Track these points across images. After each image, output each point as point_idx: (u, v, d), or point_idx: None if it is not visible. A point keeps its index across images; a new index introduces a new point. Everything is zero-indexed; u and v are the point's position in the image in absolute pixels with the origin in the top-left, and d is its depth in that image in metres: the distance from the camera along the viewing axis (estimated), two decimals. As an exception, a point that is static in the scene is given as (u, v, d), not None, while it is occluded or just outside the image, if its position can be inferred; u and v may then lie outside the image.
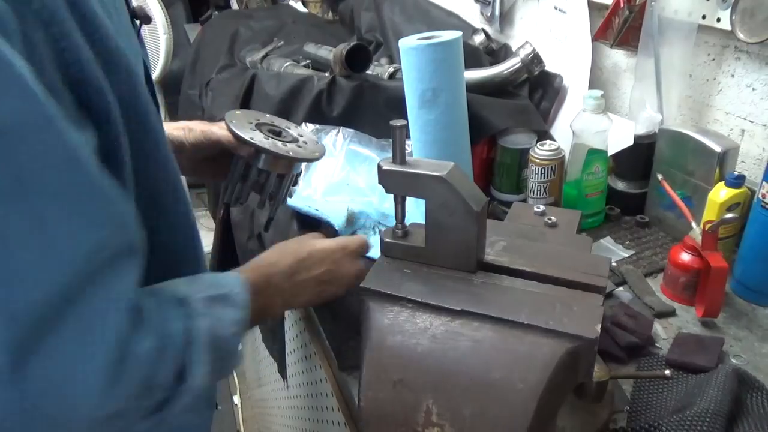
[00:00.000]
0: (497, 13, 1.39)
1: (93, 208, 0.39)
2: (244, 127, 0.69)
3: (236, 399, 2.08)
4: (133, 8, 0.58)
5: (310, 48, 1.62)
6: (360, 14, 1.70)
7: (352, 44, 1.03)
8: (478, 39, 1.24)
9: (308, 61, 1.51)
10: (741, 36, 0.73)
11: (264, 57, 1.64)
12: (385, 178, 0.43)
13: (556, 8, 1.22)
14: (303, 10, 2.37)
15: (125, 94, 0.46)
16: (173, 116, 2.39)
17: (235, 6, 2.64)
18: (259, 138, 0.68)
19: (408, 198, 0.47)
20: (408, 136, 1.03)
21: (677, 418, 0.58)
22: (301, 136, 0.78)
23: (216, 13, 2.45)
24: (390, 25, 1.53)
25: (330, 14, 2.21)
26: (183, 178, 0.62)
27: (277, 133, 0.74)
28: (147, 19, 0.61)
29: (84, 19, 0.41)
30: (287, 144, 0.72)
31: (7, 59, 0.34)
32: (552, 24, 1.24)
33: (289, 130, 0.77)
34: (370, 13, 1.67)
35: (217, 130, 0.74)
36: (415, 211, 0.54)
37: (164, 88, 2.53)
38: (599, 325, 0.37)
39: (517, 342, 0.37)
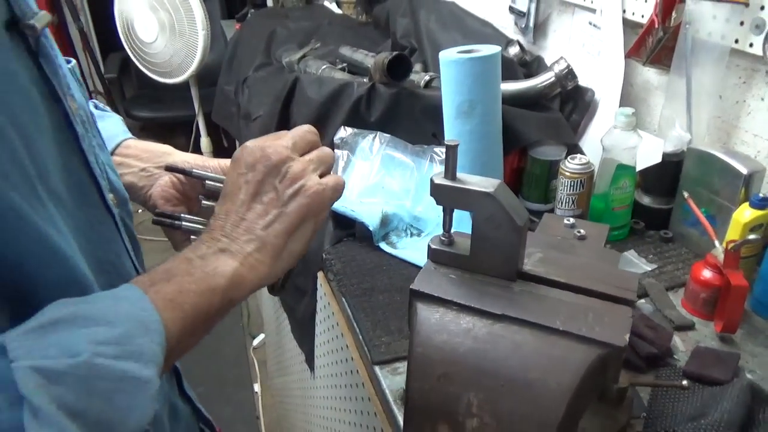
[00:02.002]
0: (531, 24, 1.42)
1: None
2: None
3: (257, 387, 2.14)
4: (14, 15, 0.43)
5: (346, 51, 1.66)
6: (396, 20, 1.74)
7: (393, 54, 1.08)
8: (513, 51, 1.28)
9: (344, 65, 1.56)
10: (771, 64, 0.76)
11: (301, 58, 1.69)
12: (437, 191, 0.48)
13: (590, 23, 1.25)
14: (337, 10, 2.42)
15: None
16: (207, 109, 2.46)
17: (270, 4, 2.70)
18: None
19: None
20: (442, 143, 1.08)
21: (691, 426, 0.62)
22: None
23: (252, 11, 2.51)
24: (425, 32, 1.57)
25: (364, 16, 2.25)
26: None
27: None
28: (33, 30, 0.43)
29: None
30: None
31: None
32: (586, 39, 1.27)
33: None
34: (406, 19, 1.71)
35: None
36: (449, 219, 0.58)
37: (198, 80, 2.61)
38: (628, 335, 0.41)
39: (553, 346, 0.42)
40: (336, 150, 1.11)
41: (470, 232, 0.49)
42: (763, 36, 0.84)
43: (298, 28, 2.03)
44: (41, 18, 0.42)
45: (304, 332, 1.19)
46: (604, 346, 0.41)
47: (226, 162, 0.65)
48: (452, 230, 0.52)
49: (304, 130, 0.56)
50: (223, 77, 2.05)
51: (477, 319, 0.44)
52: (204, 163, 0.66)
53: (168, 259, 0.49)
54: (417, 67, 1.50)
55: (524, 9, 1.42)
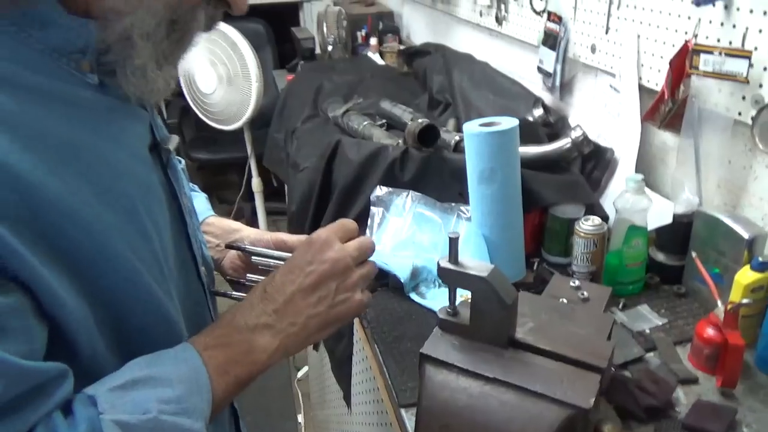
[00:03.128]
0: (557, 84, 1.52)
1: None
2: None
3: (300, 418, 2.25)
4: (157, 141, 0.62)
5: (386, 105, 1.80)
6: (432, 76, 1.87)
7: (424, 124, 1.20)
8: (537, 113, 1.38)
9: (384, 121, 1.70)
10: (761, 147, 0.84)
11: (345, 112, 1.83)
12: (443, 273, 0.59)
13: (611, 86, 1.34)
14: (380, 61, 2.58)
15: (83, 251, 0.49)
16: (259, 150, 2.64)
17: (318, 52, 2.89)
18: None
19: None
20: (467, 202, 1.18)
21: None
22: None
23: (302, 62, 2.70)
24: (459, 90, 1.69)
25: (405, 67, 2.39)
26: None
27: None
28: (168, 152, 0.63)
29: (5, 211, 0.45)
30: None
31: None
32: (607, 100, 1.36)
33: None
34: (441, 76, 1.84)
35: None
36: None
37: (251, 124, 2.81)
38: (593, 399, 0.50)
39: (532, 405, 0.51)
40: (372, 207, 1.23)
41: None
42: (753, 114, 0.92)
43: (342, 81, 2.18)
44: (173, 141, 0.59)
45: (342, 372, 1.29)
46: (572, 408, 0.50)
47: (278, 236, 0.79)
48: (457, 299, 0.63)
49: (366, 241, 0.68)
50: (274, 125, 2.22)
51: (472, 380, 0.54)
52: (260, 236, 0.79)
53: (226, 313, 0.62)
54: (450, 124, 1.62)
55: (551, 70, 1.52)
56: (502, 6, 1.77)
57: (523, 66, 1.72)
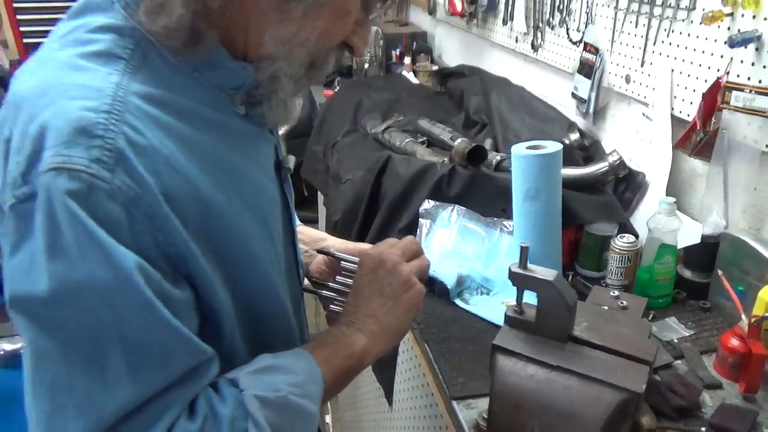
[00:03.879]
0: (591, 110, 1.62)
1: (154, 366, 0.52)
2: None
3: (328, 418, 2.34)
4: (280, 160, 0.74)
5: (425, 124, 1.91)
6: (470, 98, 1.98)
7: (473, 145, 1.31)
8: (573, 137, 1.49)
9: (425, 138, 1.81)
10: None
11: (386, 129, 1.94)
12: (513, 276, 0.69)
13: (644, 114, 1.44)
14: (414, 80, 2.69)
15: (234, 253, 0.60)
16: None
17: (354, 68, 3.01)
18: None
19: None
20: (510, 217, 1.29)
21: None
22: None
23: (338, 78, 2.83)
24: (496, 112, 1.80)
25: (438, 87, 2.51)
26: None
27: None
28: (287, 170, 0.75)
29: (182, 214, 0.54)
30: None
31: (118, 256, 0.50)
32: (639, 127, 1.46)
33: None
34: (479, 97, 1.95)
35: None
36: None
37: (287, 134, 2.93)
38: (644, 384, 0.60)
39: (592, 389, 0.61)
40: (420, 219, 1.34)
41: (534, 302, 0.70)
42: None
43: (381, 99, 2.30)
44: (290, 161, 0.71)
45: (385, 372, 1.39)
46: (626, 392, 0.60)
47: (361, 245, 0.90)
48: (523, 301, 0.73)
49: (408, 241, 0.78)
50: (312, 138, 2.33)
51: (539, 368, 0.65)
52: (345, 245, 0.91)
53: (325, 330, 0.74)
54: (487, 143, 1.72)
55: (585, 96, 1.62)
56: (539, 34, 1.88)
57: (556, 91, 1.82)
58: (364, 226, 1.52)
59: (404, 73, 2.78)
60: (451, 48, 2.81)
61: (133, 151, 0.52)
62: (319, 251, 0.91)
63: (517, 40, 2.03)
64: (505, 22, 2.09)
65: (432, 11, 2.88)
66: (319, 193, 2.57)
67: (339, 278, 0.85)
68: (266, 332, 0.68)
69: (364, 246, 0.91)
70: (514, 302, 0.74)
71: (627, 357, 0.65)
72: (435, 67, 2.74)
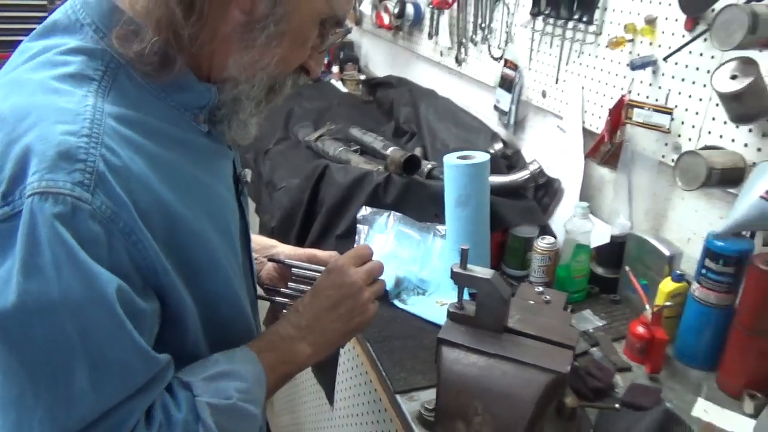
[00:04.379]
0: (512, 122, 1.75)
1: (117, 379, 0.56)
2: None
3: (263, 424, 2.35)
4: (238, 174, 0.79)
5: (356, 132, 1.98)
6: (399, 108, 2.07)
7: (408, 155, 1.39)
8: (497, 146, 1.61)
9: (358, 147, 1.88)
10: (680, 185, 1.08)
11: (318, 138, 2.00)
12: (455, 276, 0.77)
13: (558, 127, 1.59)
14: (343, 88, 2.76)
15: (199, 264, 0.64)
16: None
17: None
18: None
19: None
20: (442, 222, 1.38)
21: (621, 436, 0.90)
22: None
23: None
24: (425, 122, 1.90)
25: (367, 96, 2.59)
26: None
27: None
28: (245, 183, 0.81)
29: (153, 229, 0.58)
30: None
31: (95, 276, 0.53)
32: (555, 138, 1.60)
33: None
34: (408, 108, 2.04)
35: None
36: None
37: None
38: (569, 366, 0.70)
39: (525, 373, 0.70)
40: (358, 225, 1.40)
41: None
42: (674, 157, 1.17)
43: (311, 107, 2.34)
44: (247, 174, 0.75)
45: (326, 372, 1.44)
46: (554, 373, 0.69)
47: (310, 251, 0.95)
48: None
49: (377, 265, 0.84)
50: (243, 146, 2.34)
51: (479, 356, 0.73)
52: (295, 252, 0.95)
53: (273, 325, 0.79)
54: (417, 152, 1.82)
55: (506, 109, 1.75)
56: (463, 49, 2.00)
57: (480, 102, 1.95)
58: (302, 233, 1.57)
59: (333, 81, 2.84)
60: (378, 58, 2.91)
61: (111, 172, 0.56)
62: (270, 259, 0.95)
63: (442, 54, 2.15)
64: (430, 36, 2.20)
65: (358, 22, 2.96)
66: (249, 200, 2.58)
67: (291, 284, 0.89)
68: (227, 333, 0.72)
69: (313, 251, 0.96)
70: (447, 301, 0.82)
71: (554, 343, 0.75)
72: (362, 77, 2.82)
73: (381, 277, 0.85)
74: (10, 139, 0.55)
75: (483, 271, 0.76)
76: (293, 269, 0.90)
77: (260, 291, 0.93)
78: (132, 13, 0.62)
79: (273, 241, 1.01)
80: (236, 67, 0.66)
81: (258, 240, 0.99)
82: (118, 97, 0.61)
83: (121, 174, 0.57)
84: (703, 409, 1.02)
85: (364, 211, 1.41)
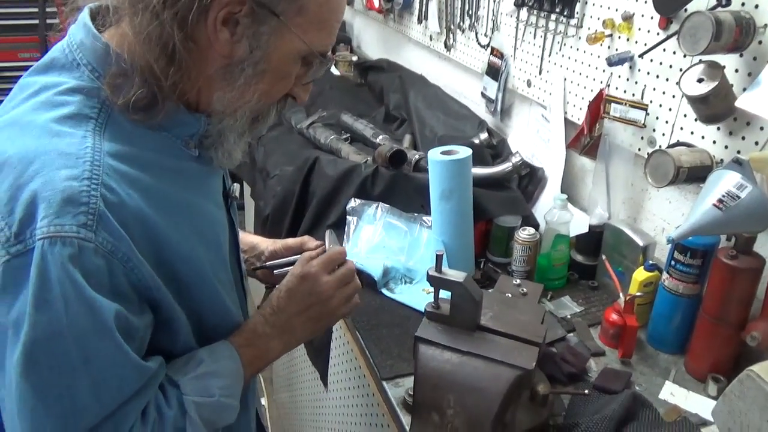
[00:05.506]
0: (498, 109, 1.79)
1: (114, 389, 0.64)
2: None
3: (263, 401, 2.45)
4: (227, 190, 0.86)
5: (347, 119, 2.02)
6: (389, 94, 2.11)
7: (394, 149, 1.44)
8: (483, 136, 1.65)
9: (348, 135, 1.92)
10: (651, 182, 1.13)
11: (310, 125, 2.03)
12: (431, 279, 0.83)
13: (542, 116, 1.63)
14: (335, 71, 2.78)
15: (188, 280, 0.71)
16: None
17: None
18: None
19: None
20: (428, 213, 1.43)
21: (589, 419, 0.97)
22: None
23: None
24: (414, 109, 1.94)
25: (359, 79, 2.61)
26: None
27: None
28: (234, 198, 0.88)
29: (146, 254, 0.65)
30: None
31: (98, 307, 0.61)
32: (539, 127, 1.64)
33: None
34: (397, 95, 2.08)
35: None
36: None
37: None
38: (534, 362, 0.76)
39: (494, 369, 0.77)
40: (347, 216, 1.46)
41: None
42: (649, 150, 1.21)
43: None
44: (236, 189, 0.81)
45: (320, 356, 1.52)
46: (520, 369, 0.76)
47: (284, 242, 1.04)
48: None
49: (349, 270, 0.91)
50: (238, 132, 2.38)
51: (453, 353, 0.79)
52: (274, 245, 1.04)
53: (250, 321, 0.86)
54: (406, 139, 1.86)
55: (493, 96, 1.79)
56: (451, 35, 2.02)
57: (468, 88, 1.98)
58: (294, 222, 1.62)
59: (325, 64, 2.85)
60: (370, 39, 2.92)
61: (110, 210, 0.62)
62: (255, 268, 1.02)
63: (431, 39, 2.17)
64: (420, 21, 2.22)
65: (350, 2, 2.95)
66: (245, 183, 2.62)
67: (276, 272, 0.97)
68: (214, 335, 0.80)
69: (287, 241, 1.03)
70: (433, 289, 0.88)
71: (522, 341, 0.81)
72: (354, 58, 2.84)
73: (366, 269, 0.92)
74: (19, 184, 0.61)
75: (456, 275, 0.82)
76: (275, 271, 0.97)
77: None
78: (124, 55, 0.66)
79: (256, 239, 1.08)
80: (220, 103, 0.71)
81: (244, 240, 1.05)
82: (114, 134, 0.66)
83: (119, 210, 0.63)
84: (670, 392, 1.09)
85: (353, 202, 1.46)
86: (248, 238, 1.07)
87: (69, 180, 0.61)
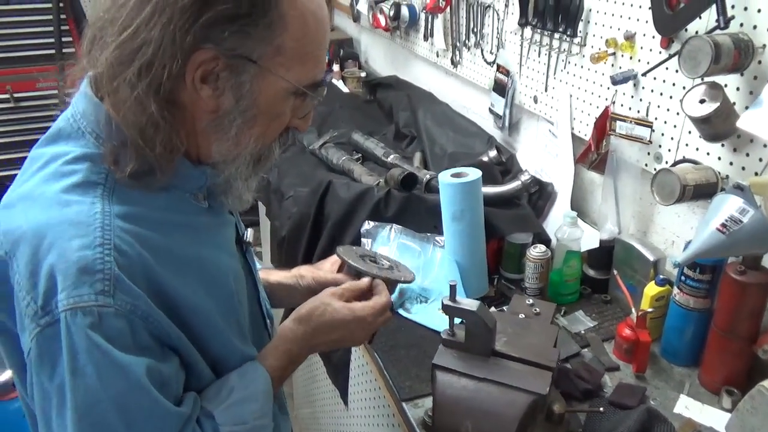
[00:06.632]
0: (506, 124, 1.82)
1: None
2: (356, 261, 0.99)
3: (285, 417, 2.49)
4: (240, 236, 0.89)
5: (359, 138, 2.06)
6: (398, 112, 2.14)
7: (405, 173, 1.48)
8: (492, 153, 1.68)
9: (359, 156, 1.96)
10: (658, 199, 1.15)
11: (322, 145, 2.07)
12: (445, 308, 0.86)
13: (550, 131, 1.65)
14: (344, 88, 2.82)
15: (198, 329, 0.73)
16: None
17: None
18: (373, 270, 0.98)
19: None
20: (441, 233, 1.46)
21: (605, 437, 1.00)
22: (388, 261, 1.06)
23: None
24: (423, 127, 1.97)
25: (368, 95, 2.65)
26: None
27: (374, 262, 1.04)
28: (248, 244, 0.90)
29: (161, 306, 0.68)
30: (388, 270, 1.01)
31: (128, 367, 0.64)
32: (547, 142, 1.67)
33: (382, 260, 1.06)
34: (407, 112, 2.11)
35: (326, 274, 1.05)
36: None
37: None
38: (548, 387, 0.79)
39: (509, 394, 0.79)
40: (362, 238, 1.49)
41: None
42: (656, 166, 1.24)
43: (315, 112, 2.40)
44: (250, 235, 0.83)
45: (339, 375, 1.55)
46: (535, 394, 0.78)
47: (321, 276, 1.05)
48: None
49: (385, 302, 0.92)
50: (251, 153, 2.42)
51: (469, 380, 0.82)
52: (318, 276, 1.05)
53: (285, 341, 0.89)
54: (416, 157, 1.89)
55: (500, 112, 1.82)
56: (457, 52, 2.05)
57: (476, 104, 2.01)
58: (311, 243, 1.66)
59: (333, 81, 2.90)
60: (377, 55, 2.96)
61: (124, 272, 0.65)
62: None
63: (438, 55, 2.20)
64: (426, 38, 2.25)
65: (356, 19, 3.00)
66: (260, 203, 2.67)
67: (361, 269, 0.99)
68: (227, 369, 0.82)
69: (325, 276, 1.05)
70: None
71: (535, 365, 0.84)
72: (363, 74, 2.88)
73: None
74: (37, 259, 0.65)
75: (470, 303, 0.85)
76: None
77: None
78: (121, 123, 0.68)
79: (302, 270, 1.09)
80: (219, 153, 0.73)
81: (294, 272, 1.08)
82: (122, 197, 0.69)
83: (131, 270, 0.66)
84: (685, 406, 1.11)
85: (368, 225, 1.50)
86: (300, 271, 1.09)
87: (82, 249, 0.64)
